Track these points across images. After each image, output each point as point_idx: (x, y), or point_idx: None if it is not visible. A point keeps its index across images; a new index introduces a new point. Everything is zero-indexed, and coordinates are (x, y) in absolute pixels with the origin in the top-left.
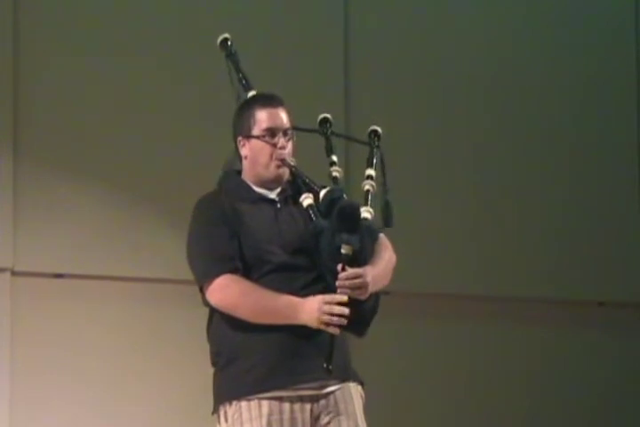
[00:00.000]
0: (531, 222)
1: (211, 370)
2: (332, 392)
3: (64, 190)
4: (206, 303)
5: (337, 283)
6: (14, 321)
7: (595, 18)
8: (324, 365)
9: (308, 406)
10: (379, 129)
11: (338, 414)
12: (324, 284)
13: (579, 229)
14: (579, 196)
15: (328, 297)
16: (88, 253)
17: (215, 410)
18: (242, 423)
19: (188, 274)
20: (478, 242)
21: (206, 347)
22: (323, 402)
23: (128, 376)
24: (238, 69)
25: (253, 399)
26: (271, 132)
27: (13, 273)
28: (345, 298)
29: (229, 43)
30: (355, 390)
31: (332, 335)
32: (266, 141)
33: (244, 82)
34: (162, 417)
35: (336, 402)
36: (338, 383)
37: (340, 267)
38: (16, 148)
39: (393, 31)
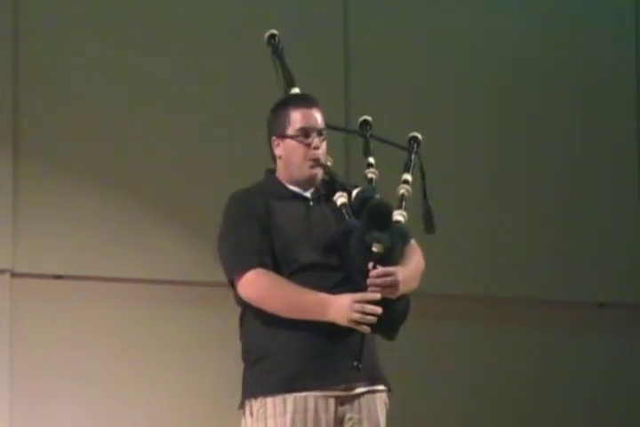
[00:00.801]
0: (532, 224)
1: (211, 371)
2: (359, 396)
3: (64, 192)
4: (238, 301)
5: (368, 281)
6: (14, 322)
7: (595, 24)
8: (354, 363)
9: (332, 407)
10: (419, 135)
11: (360, 420)
12: (352, 284)
13: (580, 231)
14: (580, 198)
15: (359, 295)
16: (88, 255)
17: (241, 405)
18: (266, 419)
19: (188, 275)
20: (479, 243)
21: (207, 348)
22: (347, 406)
23: (128, 377)
24: (284, 66)
25: (279, 396)
26: (305, 132)
27: (13, 274)
28: (377, 296)
29: (277, 39)
30: (380, 399)
31: (362, 335)
32: (299, 141)
33: (288, 78)
34: (162, 418)
35: (360, 408)
36: (365, 386)
37: (370, 265)
38: (16, 149)
39: (392, 28)
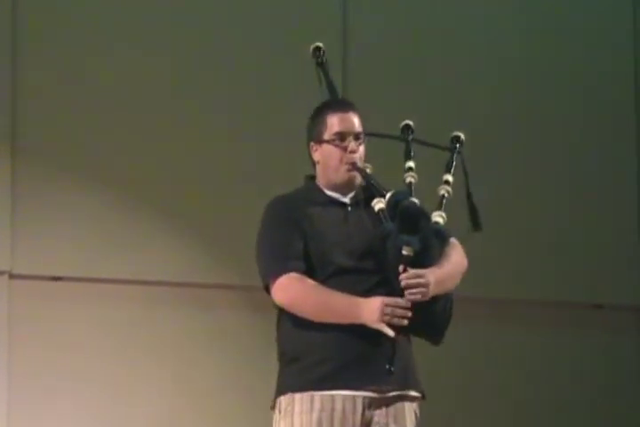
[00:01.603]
0: (529, 225)
1: (213, 372)
2: (388, 401)
3: (62, 193)
4: (274, 304)
5: (402, 283)
6: (12, 324)
7: (592, 33)
8: (387, 366)
9: (360, 409)
10: (461, 135)
11: (387, 424)
12: (388, 288)
13: (577, 233)
14: (577, 199)
15: (389, 299)
16: (86, 256)
17: (273, 404)
18: (292, 415)
19: (185, 277)
20: (477, 244)
21: (204, 349)
22: (376, 410)
23: (126, 378)
24: (328, 77)
25: (307, 393)
26: (341, 136)
27: (11, 276)
28: (408, 303)
29: (322, 51)
30: (410, 408)
31: (393, 337)
32: (336, 145)
33: (332, 90)
34: (160, 419)
35: (388, 413)
36: (396, 390)
37: (401, 268)
38: (14, 151)
39: (391, 29)
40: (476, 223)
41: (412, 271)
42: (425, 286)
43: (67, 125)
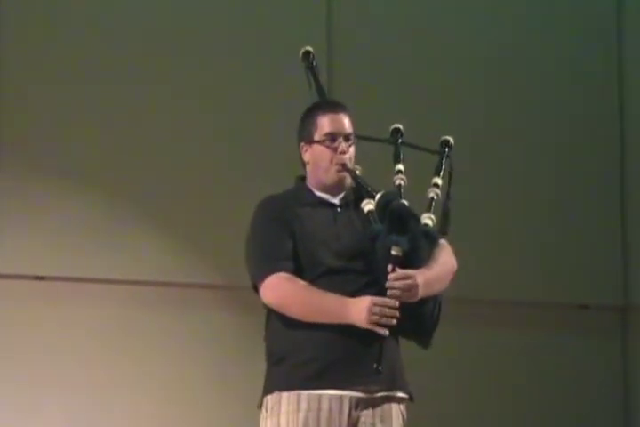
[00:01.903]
0: (515, 227)
1: (197, 372)
2: (375, 402)
3: (45, 192)
4: (263, 304)
5: (386, 284)
6: None
7: (578, 45)
8: (375, 365)
9: (347, 409)
10: (450, 139)
11: (374, 424)
12: (377, 288)
13: (562, 235)
14: (562, 201)
15: (377, 299)
16: (69, 256)
17: (260, 402)
18: (279, 414)
19: (169, 277)
20: (463, 245)
21: (189, 350)
22: (363, 410)
23: (111, 379)
24: (317, 81)
25: (293, 392)
26: (332, 136)
27: None
28: (396, 303)
29: (312, 55)
30: (396, 409)
31: (383, 337)
32: (326, 146)
33: (322, 94)
34: (146, 420)
35: (375, 414)
36: (384, 390)
37: (389, 268)
38: None
39: (377, 34)
40: (444, 226)
41: (400, 272)
42: (413, 287)
43: (50, 125)
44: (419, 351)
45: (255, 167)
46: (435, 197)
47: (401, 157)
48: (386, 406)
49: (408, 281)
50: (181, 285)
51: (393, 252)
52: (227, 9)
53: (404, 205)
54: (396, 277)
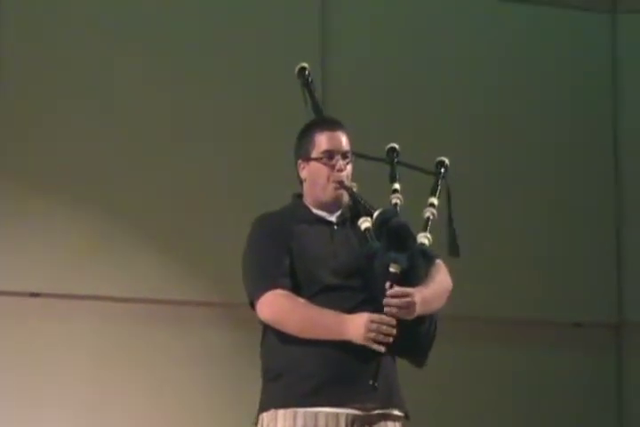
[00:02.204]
0: (510, 246)
1: (189, 389)
2: (371, 419)
3: (39, 209)
4: (260, 320)
5: (384, 301)
6: None
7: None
8: (370, 382)
9: (342, 424)
10: (446, 160)
11: None
12: (374, 305)
13: (556, 253)
14: (557, 220)
15: (375, 316)
16: (64, 273)
17: (256, 420)
18: None
19: (165, 294)
20: (459, 264)
21: (184, 367)
22: (357, 425)
23: (105, 396)
24: (313, 97)
25: (290, 409)
26: (329, 154)
27: None
28: (393, 321)
29: (307, 72)
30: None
31: (379, 354)
32: (324, 163)
33: (318, 110)
34: None
35: None
36: (379, 408)
37: (387, 285)
38: None
39: (370, 48)
40: (454, 249)
41: (398, 289)
42: (411, 304)
43: (42, 141)
44: (415, 369)
45: (253, 184)
46: (431, 217)
47: (397, 176)
48: (382, 423)
49: (406, 299)
50: (177, 302)
51: (391, 269)
52: (219, 23)
53: (403, 222)
54: (393, 295)
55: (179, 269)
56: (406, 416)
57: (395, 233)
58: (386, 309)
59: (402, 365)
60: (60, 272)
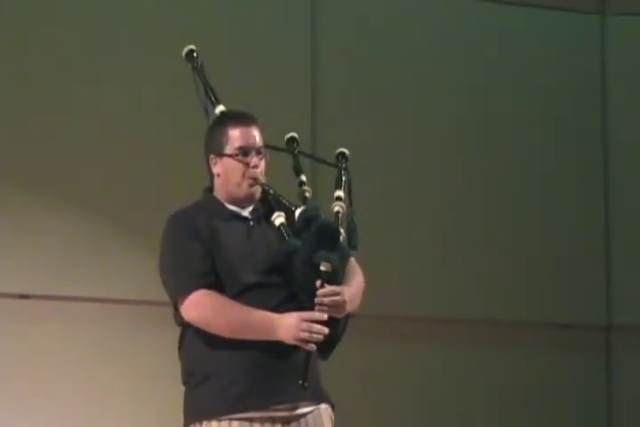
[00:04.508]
0: (499, 247)
1: (177, 391)
2: (304, 415)
3: (29, 211)
4: (178, 321)
5: (316, 300)
6: None
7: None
8: (300, 382)
9: None
10: (346, 151)
11: None
12: (297, 302)
13: (546, 255)
14: (545, 221)
15: (306, 314)
16: (54, 274)
17: None
18: None
19: (153, 295)
20: (447, 265)
21: (172, 368)
22: (294, 425)
23: (94, 397)
24: (205, 82)
25: (224, 420)
26: (244, 150)
27: None
28: (324, 317)
29: (195, 54)
30: (325, 414)
31: (308, 353)
32: (238, 160)
33: (211, 95)
34: None
35: (307, 425)
36: (311, 405)
37: (318, 284)
38: None
39: (360, 51)
40: (353, 242)
41: (329, 288)
42: (343, 303)
43: (33, 146)
44: (406, 371)
45: None
46: (340, 211)
47: (301, 167)
48: (316, 414)
49: (337, 297)
50: (166, 303)
51: (322, 268)
52: (208, 24)
53: (331, 221)
54: (325, 294)
55: None
56: (332, 407)
57: (325, 232)
58: (318, 307)
59: (400, 372)
60: (49, 274)
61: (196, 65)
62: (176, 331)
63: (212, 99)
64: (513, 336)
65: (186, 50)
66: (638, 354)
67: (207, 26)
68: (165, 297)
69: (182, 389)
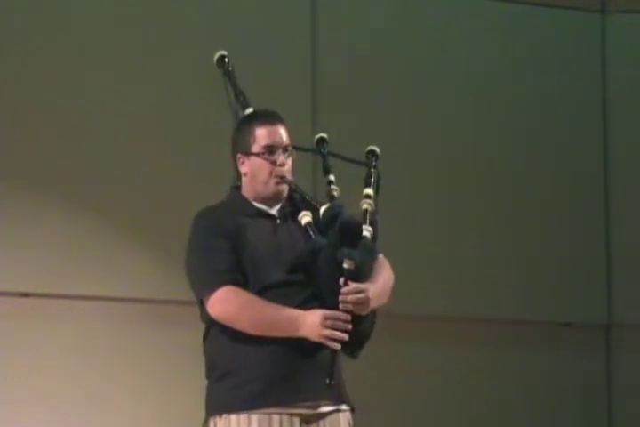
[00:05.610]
0: (498, 245)
1: (182, 389)
2: (324, 416)
3: (28, 209)
4: (204, 318)
5: (340, 297)
6: None
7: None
8: (327, 380)
9: (297, 426)
10: (376, 149)
11: None
12: (320, 301)
13: (545, 253)
14: (545, 220)
15: (329, 312)
16: (54, 272)
17: (205, 422)
18: None
19: (155, 294)
20: (446, 264)
21: (174, 367)
22: (313, 425)
23: (96, 395)
24: (235, 86)
25: (243, 414)
26: (270, 149)
27: None
28: (348, 317)
29: (226, 60)
30: (344, 418)
31: (333, 351)
32: (265, 158)
33: (241, 99)
34: None
35: (324, 425)
36: (331, 405)
37: (342, 281)
38: None
39: (361, 46)
40: (374, 239)
41: (353, 286)
42: (367, 300)
43: (30, 140)
44: (406, 370)
45: None
46: (369, 209)
47: (330, 167)
48: (335, 418)
49: (361, 295)
50: (166, 301)
51: (345, 265)
52: (212, 30)
53: (356, 218)
54: (348, 291)
55: (168, 269)
56: (352, 410)
57: (347, 229)
58: (342, 305)
59: (397, 366)
60: (49, 272)
61: (226, 70)
62: (176, 330)
63: (242, 102)
64: (513, 335)
65: (217, 55)
66: (638, 353)
67: (207, 26)
68: (167, 295)
69: (187, 387)
